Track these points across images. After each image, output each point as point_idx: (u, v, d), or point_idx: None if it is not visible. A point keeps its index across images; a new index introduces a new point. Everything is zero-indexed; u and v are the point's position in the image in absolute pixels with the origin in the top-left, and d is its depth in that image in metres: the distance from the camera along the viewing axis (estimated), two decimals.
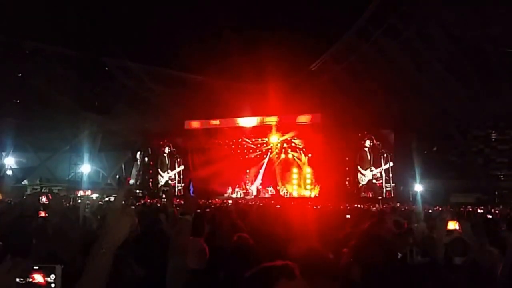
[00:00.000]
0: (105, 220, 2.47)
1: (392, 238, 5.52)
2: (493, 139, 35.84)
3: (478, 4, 25.77)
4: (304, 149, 37.50)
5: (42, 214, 7.21)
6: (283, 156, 38.27)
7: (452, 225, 5.41)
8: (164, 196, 32.94)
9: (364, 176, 35.80)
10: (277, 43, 28.71)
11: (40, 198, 13.97)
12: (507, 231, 7.69)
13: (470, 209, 21.24)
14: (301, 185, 37.42)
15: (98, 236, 2.40)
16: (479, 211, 19.12)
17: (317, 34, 30.10)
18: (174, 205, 9.28)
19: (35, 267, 2.14)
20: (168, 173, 41.94)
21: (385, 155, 35.23)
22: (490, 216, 14.32)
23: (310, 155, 37.10)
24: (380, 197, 33.29)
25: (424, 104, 31.67)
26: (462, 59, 28.90)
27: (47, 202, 10.70)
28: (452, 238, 5.07)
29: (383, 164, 35.16)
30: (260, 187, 37.53)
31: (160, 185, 41.97)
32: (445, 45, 28.68)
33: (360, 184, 36.10)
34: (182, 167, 41.00)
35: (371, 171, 35.64)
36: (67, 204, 14.69)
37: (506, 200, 30.93)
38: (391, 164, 34.91)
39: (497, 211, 19.72)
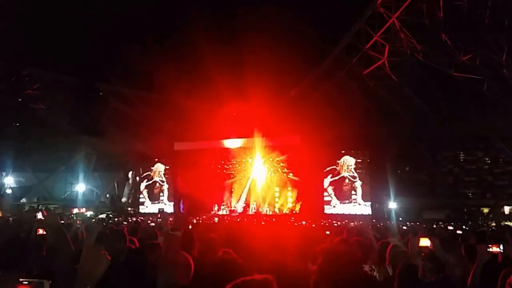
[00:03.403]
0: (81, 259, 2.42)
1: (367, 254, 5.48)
2: (462, 160, 36.19)
3: (445, 33, 26.19)
4: (285, 169, 37.49)
5: (41, 231, 7.02)
6: (265, 175, 38.22)
7: (424, 241, 5.40)
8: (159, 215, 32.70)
9: (342, 195, 35.73)
10: (259, 71, 28.86)
11: (36, 214, 13.75)
12: (476, 244, 7.71)
13: (442, 225, 21.35)
14: (283, 203, 37.29)
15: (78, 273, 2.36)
16: (449, 227, 19.16)
17: (296, 63, 30.28)
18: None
19: (24, 282, 2.06)
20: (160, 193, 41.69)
21: (361, 174, 35.29)
22: (460, 232, 14.34)
23: (291, 174, 37.08)
24: (356, 214, 33.21)
25: (397, 127, 31.92)
26: (431, 85, 29.27)
27: (43, 218, 10.54)
28: (424, 254, 5.05)
29: (359, 183, 35.17)
30: (244, 205, 37.39)
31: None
32: (415, 73, 29.03)
33: (338, 202, 36.01)
34: (171, 186, 40.74)
35: (349, 189, 35.60)
36: (62, 222, 14.45)
37: (474, 217, 31.12)
38: (367, 183, 34.96)
39: (466, 227, 19.81)
